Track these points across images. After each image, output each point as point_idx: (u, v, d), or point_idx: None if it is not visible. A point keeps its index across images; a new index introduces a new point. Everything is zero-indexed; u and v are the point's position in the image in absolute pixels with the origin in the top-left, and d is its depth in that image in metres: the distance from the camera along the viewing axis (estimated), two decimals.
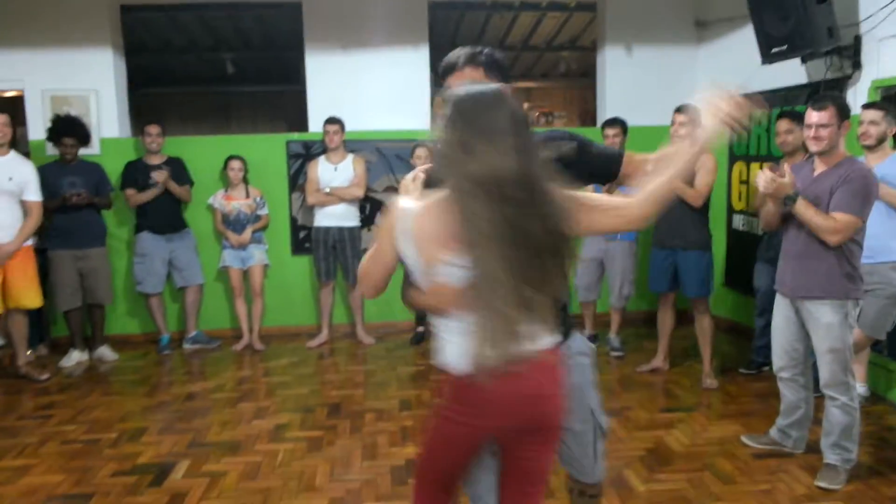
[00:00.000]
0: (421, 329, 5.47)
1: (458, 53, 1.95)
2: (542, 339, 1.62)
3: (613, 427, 3.64)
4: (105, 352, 5.18)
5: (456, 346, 1.62)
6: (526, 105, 10.48)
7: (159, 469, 3.29)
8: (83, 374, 4.91)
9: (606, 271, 5.02)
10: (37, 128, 5.35)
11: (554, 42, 8.57)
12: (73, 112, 5.24)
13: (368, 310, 5.66)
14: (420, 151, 5.18)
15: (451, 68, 1.93)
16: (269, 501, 2.98)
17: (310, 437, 3.65)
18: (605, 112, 5.87)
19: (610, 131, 4.85)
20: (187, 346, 5.38)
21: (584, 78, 10.13)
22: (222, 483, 3.16)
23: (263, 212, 5.45)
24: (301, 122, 5.88)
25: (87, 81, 5.43)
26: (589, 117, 10.14)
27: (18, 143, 5.26)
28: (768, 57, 4.34)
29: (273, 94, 8.20)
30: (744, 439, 3.46)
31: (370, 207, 5.68)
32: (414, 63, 5.78)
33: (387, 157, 5.71)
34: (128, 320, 5.65)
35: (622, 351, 5.01)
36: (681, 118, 4.13)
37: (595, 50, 6.38)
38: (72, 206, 4.83)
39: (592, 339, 5.15)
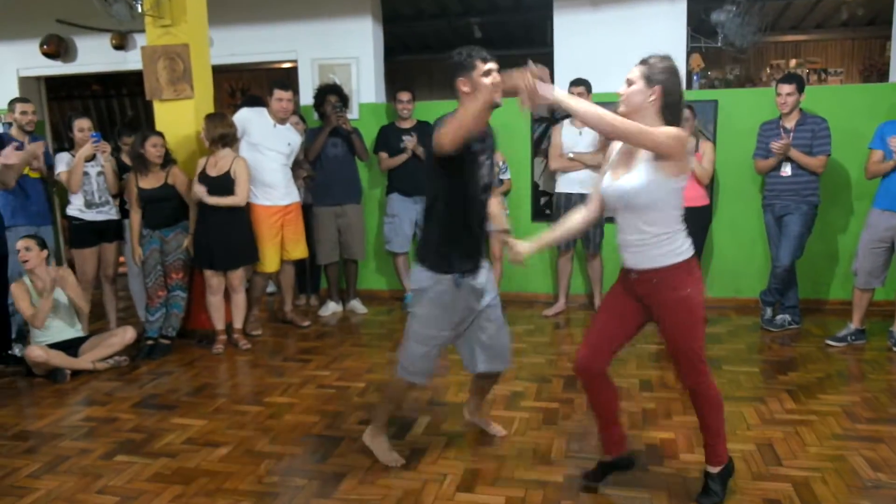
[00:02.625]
0: None
1: None
2: None
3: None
4: (357, 305, 5.57)
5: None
6: (794, 62, 9.33)
7: (401, 423, 3.42)
8: (337, 323, 5.33)
9: None
10: (307, 95, 5.83)
11: None
12: (336, 79, 5.63)
13: (607, 280, 5.40)
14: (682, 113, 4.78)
15: None
16: (503, 469, 2.95)
17: (546, 408, 3.57)
18: None
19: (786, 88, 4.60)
20: None
21: (871, 27, 8.70)
22: (459, 444, 3.19)
23: (506, 176, 5.43)
24: None
25: (349, 50, 5.79)
26: (875, 72, 8.72)
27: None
28: None
29: (519, 58, 8.14)
30: None
31: None
32: (668, 18, 5.32)
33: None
34: (377, 277, 6.02)
35: None
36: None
37: None
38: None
39: (859, 333, 4.45)
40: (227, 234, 4.55)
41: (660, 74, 2.38)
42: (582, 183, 5.10)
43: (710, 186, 5.08)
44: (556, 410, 3.54)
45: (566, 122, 5.17)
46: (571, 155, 5.08)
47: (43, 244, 4.38)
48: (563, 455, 3.06)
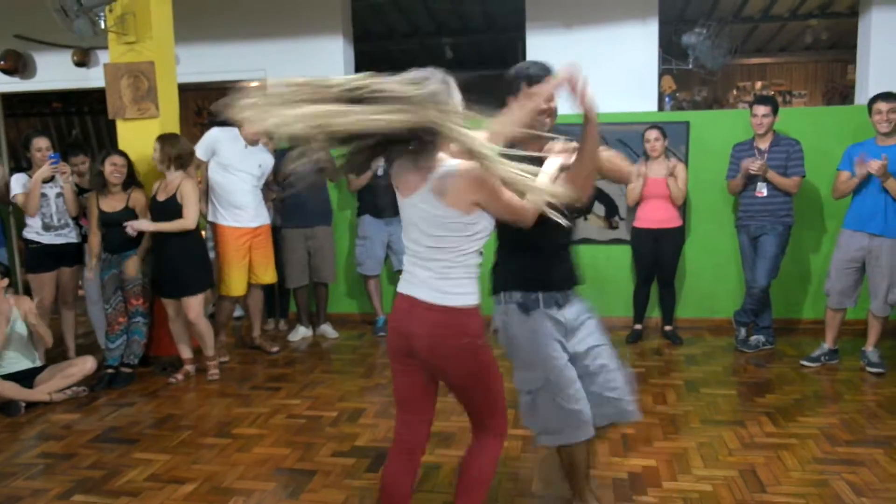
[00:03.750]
0: (639, 327, 5.08)
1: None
2: None
3: (877, 460, 3.06)
4: (327, 329, 5.43)
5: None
6: (759, 84, 9.49)
7: (376, 453, 3.30)
8: (308, 349, 5.18)
9: (868, 273, 4.29)
10: None
11: (800, 10, 7.57)
12: None
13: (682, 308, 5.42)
14: (651, 134, 4.78)
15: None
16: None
17: (524, 435, 3.47)
18: (867, 89, 5.00)
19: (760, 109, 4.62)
20: None
21: (833, 50, 8.92)
22: (435, 476, 3.08)
23: None
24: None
25: (319, 68, 5.69)
26: (837, 95, 8.91)
27: None
28: None
29: (489, 79, 8.17)
30: None
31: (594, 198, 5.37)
32: (640, 39, 5.35)
33: (608, 142, 5.35)
34: (348, 300, 5.89)
35: (882, 367, 4.27)
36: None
37: (855, 15, 5.49)
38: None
39: (832, 353, 4.47)
40: (178, 261, 4.35)
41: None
42: None
43: (683, 207, 5.08)
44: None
45: None
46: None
47: (5, 272, 4.18)
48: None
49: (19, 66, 6.19)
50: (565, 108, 2.33)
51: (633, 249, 5.16)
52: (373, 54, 7.93)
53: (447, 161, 2.01)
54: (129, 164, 4.47)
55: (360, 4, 6.08)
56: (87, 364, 4.30)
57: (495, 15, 7.22)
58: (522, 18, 5.54)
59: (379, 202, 5.28)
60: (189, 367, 4.54)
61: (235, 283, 4.76)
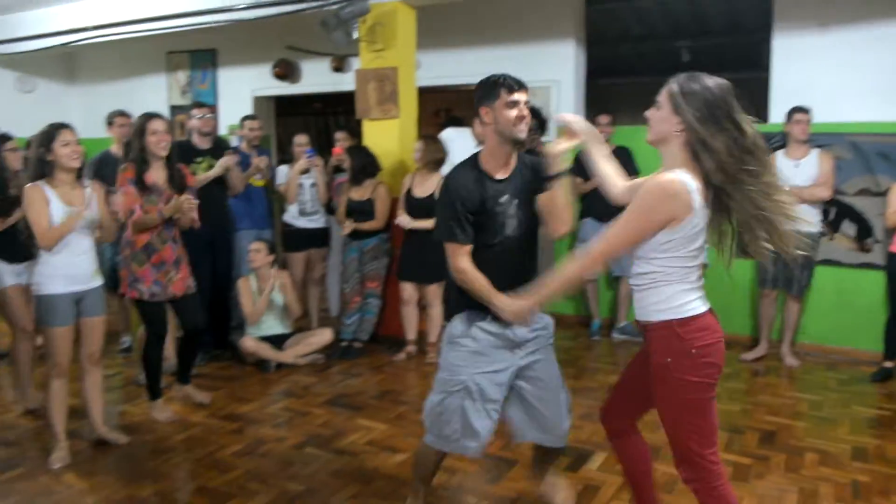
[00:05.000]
0: (889, 364, 4.51)
1: None
2: None
3: None
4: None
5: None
6: None
7: (577, 454, 3.32)
8: None
9: None
10: None
11: None
12: (535, 102, 5.66)
13: (816, 330, 4.93)
14: None
15: None
16: None
17: (737, 462, 3.28)
18: None
19: None
20: (616, 336, 5.41)
21: None
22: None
23: None
24: (757, 114, 5.33)
25: (548, 73, 5.81)
26: None
27: None
28: None
29: (731, 83, 7.74)
30: None
31: (836, 212, 4.88)
32: None
33: (864, 154, 4.82)
34: (563, 300, 5.93)
35: None
36: None
37: None
38: None
39: None
40: (426, 251, 4.70)
41: (686, 102, 1.96)
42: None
43: None
44: (749, 467, 3.24)
45: (780, 153, 4.77)
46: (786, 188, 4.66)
47: (272, 249, 4.85)
48: None
49: (289, 72, 7.07)
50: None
51: (888, 276, 4.57)
52: (605, 58, 7.87)
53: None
54: (375, 160, 4.92)
55: (594, 8, 6.08)
56: (326, 335, 4.86)
57: (738, 15, 6.79)
58: (770, 19, 5.17)
59: (601, 206, 5.24)
60: (411, 348, 4.91)
61: None
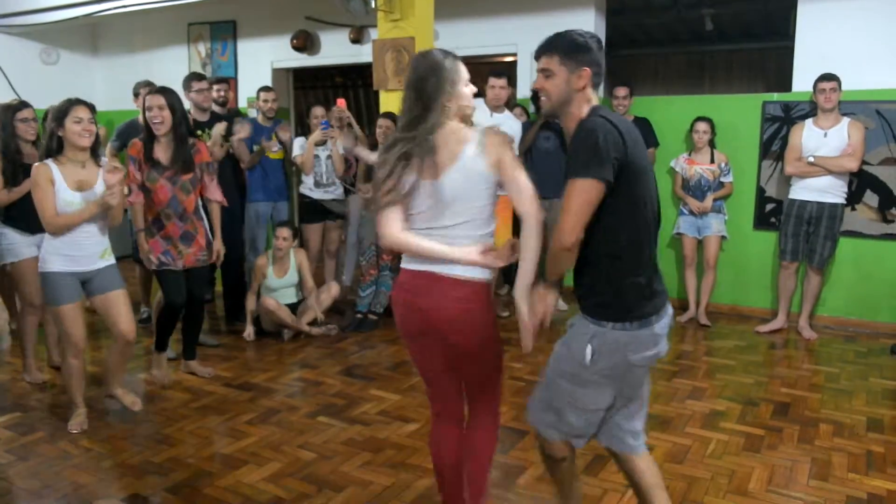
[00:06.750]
0: None
1: None
2: None
3: None
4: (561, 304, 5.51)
5: None
6: None
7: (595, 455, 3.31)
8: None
9: None
10: (526, 88, 5.86)
11: None
12: None
13: (835, 303, 4.85)
14: None
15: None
16: (692, 491, 2.74)
17: (749, 433, 3.26)
18: None
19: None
20: None
21: None
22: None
23: (727, 179, 5.05)
24: (782, 83, 5.22)
25: None
26: None
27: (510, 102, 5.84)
28: None
29: (753, 52, 7.51)
30: None
31: (858, 182, 4.77)
32: None
33: (889, 122, 4.69)
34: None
35: None
36: None
37: None
38: None
39: None
40: None
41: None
42: (822, 191, 4.57)
43: None
44: (761, 438, 3.22)
45: (808, 121, 4.66)
46: (812, 159, 4.56)
47: (296, 234, 4.92)
48: (764, 488, 2.77)
49: (307, 43, 7.04)
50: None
51: None
52: (628, 28, 7.72)
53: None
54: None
55: None
56: (333, 289, 5.04)
57: None
58: None
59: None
60: None
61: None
